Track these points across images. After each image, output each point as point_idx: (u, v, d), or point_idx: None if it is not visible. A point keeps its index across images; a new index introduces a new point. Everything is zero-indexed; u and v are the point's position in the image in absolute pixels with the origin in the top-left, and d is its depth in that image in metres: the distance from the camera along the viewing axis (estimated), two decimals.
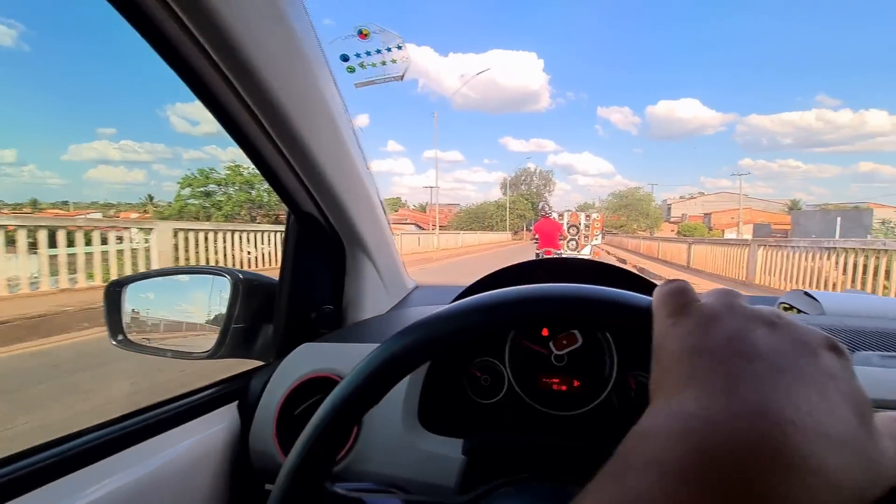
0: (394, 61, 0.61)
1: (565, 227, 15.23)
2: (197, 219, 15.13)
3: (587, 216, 15.93)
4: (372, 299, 0.92)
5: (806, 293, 1.05)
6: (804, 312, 1.02)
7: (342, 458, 0.62)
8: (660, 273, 12.39)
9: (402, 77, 0.63)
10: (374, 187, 0.81)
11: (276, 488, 0.37)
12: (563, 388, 0.73)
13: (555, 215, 15.06)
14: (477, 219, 59.83)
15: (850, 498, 0.18)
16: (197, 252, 8.38)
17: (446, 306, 0.37)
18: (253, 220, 16.14)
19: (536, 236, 9.17)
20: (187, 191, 17.53)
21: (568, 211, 16.47)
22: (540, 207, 9.69)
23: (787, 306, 1.08)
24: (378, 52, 0.60)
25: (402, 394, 0.64)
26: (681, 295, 0.27)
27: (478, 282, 0.79)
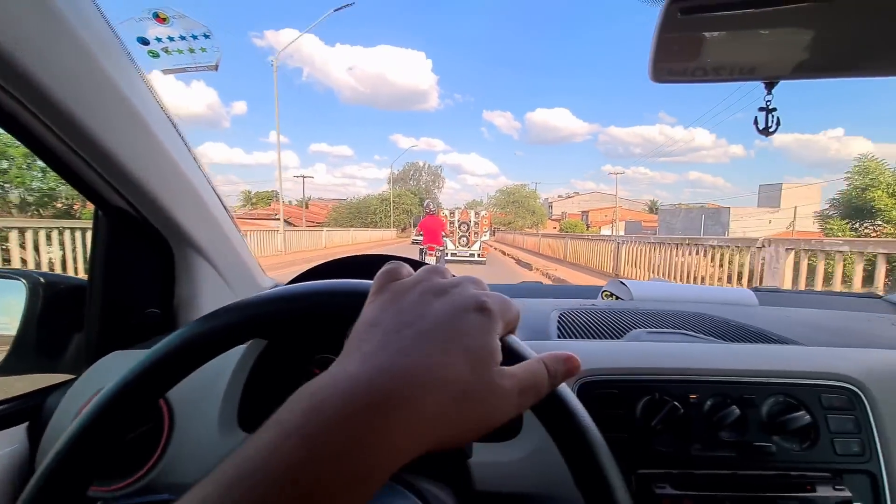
0: (203, 50, 0.58)
1: (456, 225, 16.08)
2: None
3: (476, 214, 16.90)
4: (211, 301, 0.86)
5: (621, 282, 1.24)
6: (620, 298, 1.21)
7: (148, 471, 0.58)
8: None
9: (216, 67, 0.60)
10: (203, 181, 0.76)
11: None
12: None
13: (446, 212, 15.91)
14: (359, 214, 52.35)
15: (450, 429, 0.23)
16: None
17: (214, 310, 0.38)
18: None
19: (421, 233, 9.58)
20: None
21: (458, 209, 17.35)
22: (426, 205, 10.05)
23: (608, 293, 1.27)
24: (183, 38, 0.56)
25: (219, 397, 0.61)
26: (385, 275, 0.31)
27: (297, 276, 0.78)
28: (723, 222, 34.39)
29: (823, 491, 0.52)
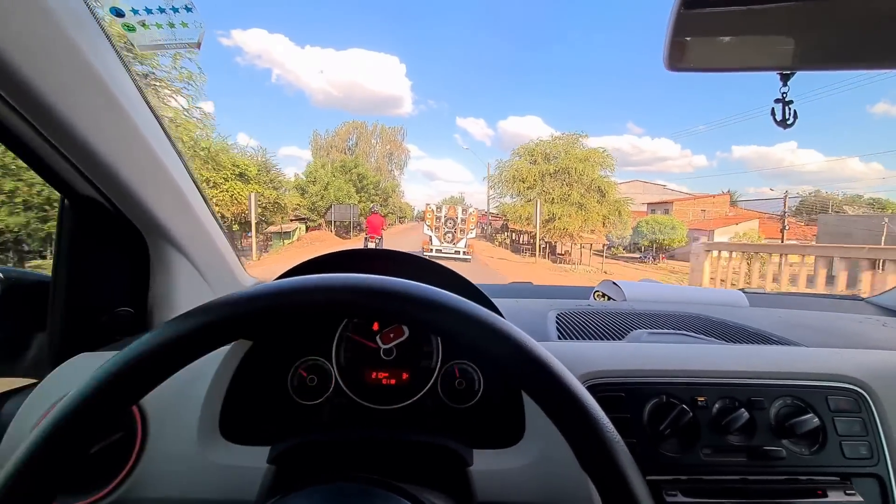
0: (184, 25, 0.54)
1: (443, 221, 16.32)
2: None
3: (464, 210, 16.92)
4: (188, 298, 0.81)
5: (614, 283, 1.23)
6: (613, 299, 1.20)
7: (117, 486, 0.52)
8: None
9: (198, 44, 0.55)
10: (182, 171, 0.71)
11: None
12: (393, 381, 0.73)
13: (432, 208, 16.34)
14: None
15: None
16: None
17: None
18: None
19: (367, 227, 12.89)
20: None
21: (445, 205, 17.46)
22: (371, 208, 13.93)
23: (600, 294, 1.25)
24: (162, 10, 0.52)
25: (199, 401, 0.57)
26: None
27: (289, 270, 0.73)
28: None
29: (835, 496, 0.51)
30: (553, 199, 20.55)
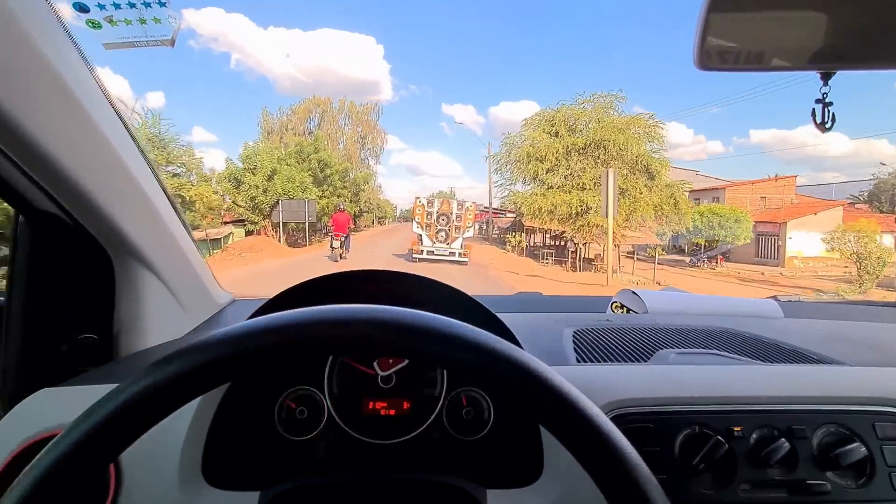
0: (157, 21, 0.53)
1: (434, 217, 15.16)
2: None
3: (459, 205, 15.74)
4: (159, 321, 0.80)
5: (634, 292, 1.24)
6: (633, 311, 1.20)
7: None
8: None
9: (172, 42, 0.55)
10: (152, 180, 0.71)
11: None
12: (392, 412, 0.73)
13: (423, 202, 15.44)
14: None
15: None
16: None
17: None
18: None
19: (332, 226, 14.07)
20: None
21: (437, 198, 16.49)
22: (337, 205, 15.67)
23: (619, 305, 1.26)
24: (131, 5, 0.51)
25: (179, 443, 0.56)
26: None
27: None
28: None
29: None
30: (583, 184, 15.67)
